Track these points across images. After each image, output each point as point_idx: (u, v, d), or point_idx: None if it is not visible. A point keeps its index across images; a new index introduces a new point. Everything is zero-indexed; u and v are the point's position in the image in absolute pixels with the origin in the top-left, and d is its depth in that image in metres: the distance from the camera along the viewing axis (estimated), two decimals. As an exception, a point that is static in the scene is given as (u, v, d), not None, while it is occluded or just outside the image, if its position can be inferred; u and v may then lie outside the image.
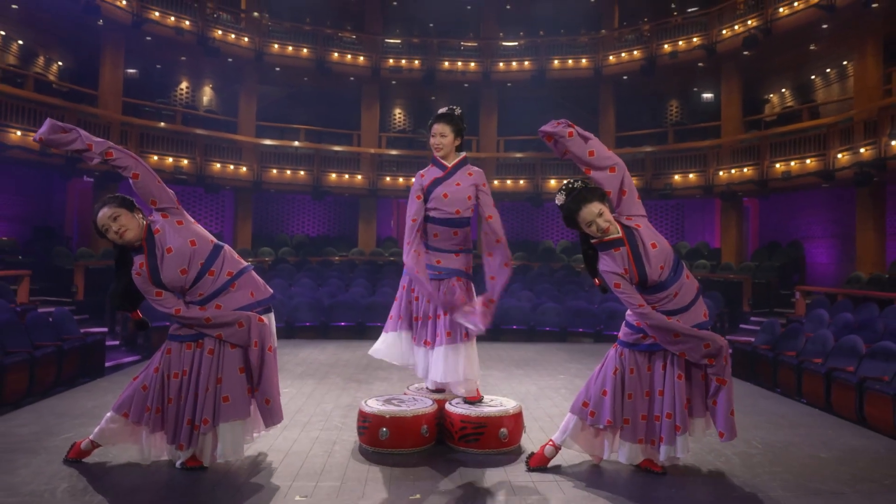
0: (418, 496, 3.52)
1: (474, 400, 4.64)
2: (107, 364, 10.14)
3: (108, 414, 3.89)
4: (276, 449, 4.35)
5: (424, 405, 4.46)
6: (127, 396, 3.84)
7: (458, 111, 4.77)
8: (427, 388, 4.88)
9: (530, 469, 4.00)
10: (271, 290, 4.08)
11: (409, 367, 4.71)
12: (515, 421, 4.44)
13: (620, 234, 3.85)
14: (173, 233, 3.84)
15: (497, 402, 4.60)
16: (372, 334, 12.34)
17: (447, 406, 4.51)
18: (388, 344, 4.71)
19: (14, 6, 14.78)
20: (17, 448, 4.18)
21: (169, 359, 3.83)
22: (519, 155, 19.64)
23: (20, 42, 16.78)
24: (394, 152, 20.40)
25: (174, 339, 3.89)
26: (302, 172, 18.88)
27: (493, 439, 4.31)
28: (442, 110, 4.75)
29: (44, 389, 8.15)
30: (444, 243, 4.62)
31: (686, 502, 3.53)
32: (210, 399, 3.74)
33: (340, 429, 4.93)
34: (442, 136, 4.65)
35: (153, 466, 3.86)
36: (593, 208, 3.80)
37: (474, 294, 4.74)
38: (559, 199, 3.94)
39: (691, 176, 17.59)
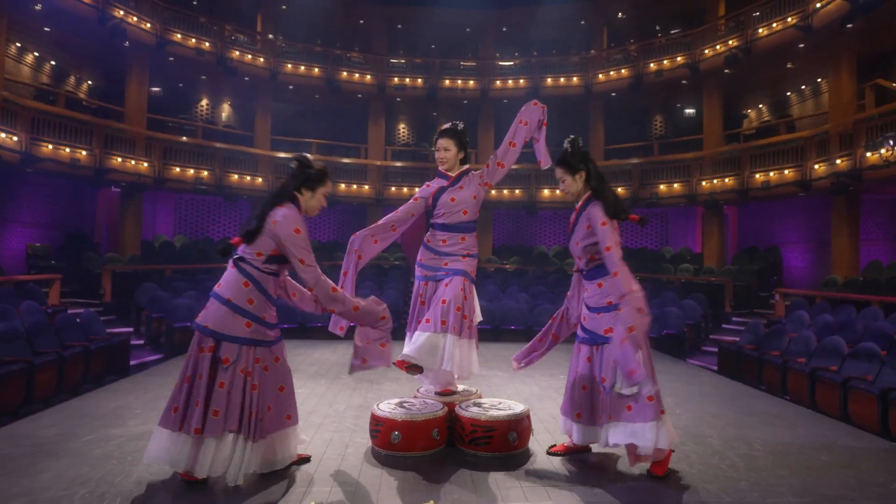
0: (432, 502, 3.27)
1: (446, 393, 4.57)
2: (132, 363, 9.93)
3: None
4: (292, 451, 4.10)
5: (435, 409, 4.22)
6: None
7: (460, 126, 4.63)
8: (435, 391, 4.66)
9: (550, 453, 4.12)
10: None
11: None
12: (524, 424, 4.20)
13: (577, 205, 3.98)
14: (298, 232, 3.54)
15: (506, 406, 4.36)
16: (380, 334, 12.21)
17: (457, 409, 4.27)
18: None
19: (46, 29, 14.57)
20: (41, 451, 3.93)
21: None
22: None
23: (53, 63, 16.59)
24: (398, 164, 20.23)
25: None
26: (314, 183, 18.63)
27: (503, 442, 4.06)
28: (445, 126, 4.62)
29: (72, 387, 7.92)
30: (453, 248, 4.47)
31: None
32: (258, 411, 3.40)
33: (353, 430, 4.67)
34: (446, 151, 4.53)
35: (168, 473, 3.61)
36: (560, 173, 3.99)
37: (476, 297, 4.55)
38: (565, 143, 4.03)
39: (676, 186, 17.37)
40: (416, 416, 4.08)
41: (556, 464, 3.93)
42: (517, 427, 4.11)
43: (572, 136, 4.05)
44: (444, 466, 3.84)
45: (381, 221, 4.53)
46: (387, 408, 4.23)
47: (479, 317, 4.59)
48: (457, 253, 4.47)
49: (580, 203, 3.93)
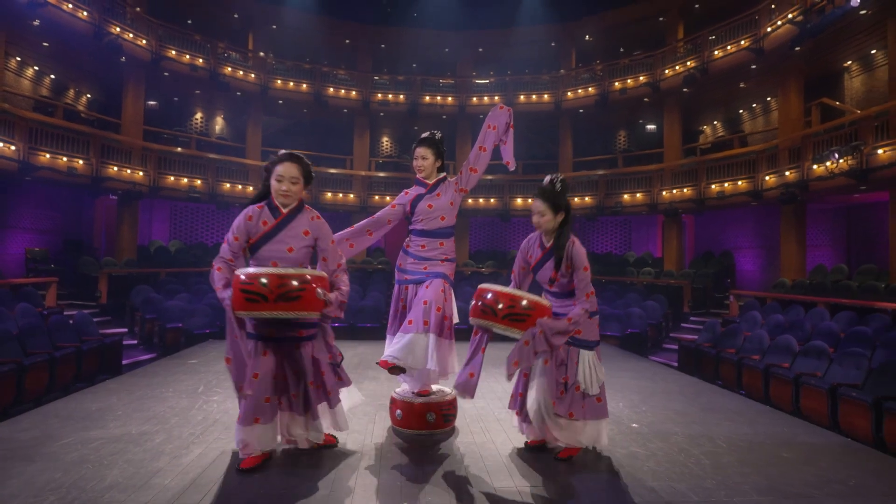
0: (405, 505, 3.04)
1: (424, 394, 4.38)
2: (124, 362, 9.55)
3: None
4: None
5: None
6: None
7: (438, 135, 4.43)
8: (413, 391, 4.43)
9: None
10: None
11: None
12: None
13: (548, 244, 3.79)
14: (326, 240, 3.57)
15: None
16: (362, 334, 11.89)
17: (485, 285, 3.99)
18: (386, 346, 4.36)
19: (45, 44, 14.14)
20: (15, 455, 3.61)
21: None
22: (490, 177, 19.24)
23: (52, 76, 16.11)
24: (382, 174, 19.98)
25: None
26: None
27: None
28: (424, 135, 4.43)
29: (63, 387, 7.56)
30: (431, 252, 4.27)
31: (664, 507, 3.08)
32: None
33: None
34: (423, 159, 4.33)
35: (143, 482, 3.33)
36: (541, 207, 3.72)
37: (454, 300, 4.34)
38: (554, 180, 3.79)
39: (638, 195, 17.31)
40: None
41: (530, 462, 3.71)
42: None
43: (560, 176, 3.79)
44: (423, 467, 3.60)
45: (357, 226, 4.31)
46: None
47: (456, 318, 4.39)
48: (435, 258, 4.28)
49: (551, 242, 3.76)
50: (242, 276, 3.16)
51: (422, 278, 4.24)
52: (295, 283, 3.14)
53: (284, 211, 3.49)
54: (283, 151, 3.58)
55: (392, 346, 4.07)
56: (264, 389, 3.40)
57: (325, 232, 3.54)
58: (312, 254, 3.62)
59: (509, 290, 3.59)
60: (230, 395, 5.36)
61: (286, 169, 3.46)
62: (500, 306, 3.52)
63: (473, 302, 3.70)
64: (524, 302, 3.50)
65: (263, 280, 3.12)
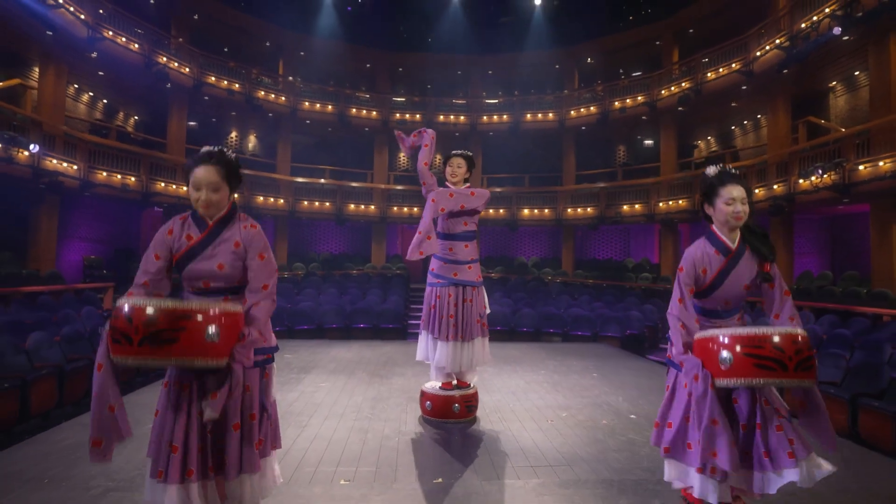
0: (440, 480, 3.43)
1: (446, 388, 4.78)
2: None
3: None
4: (321, 437, 4.24)
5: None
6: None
7: (470, 153, 4.80)
8: (439, 386, 4.81)
9: None
10: None
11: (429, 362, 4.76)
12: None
13: (734, 245, 2.78)
14: (255, 252, 2.49)
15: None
16: (385, 335, 12.28)
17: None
18: (419, 344, 4.79)
19: (100, 73, 14.71)
20: (110, 438, 4.06)
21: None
22: (499, 189, 19.63)
23: (105, 101, 16.71)
24: (399, 188, 20.36)
25: None
26: (327, 203, 18.82)
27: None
28: (459, 151, 4.79)
29: (126, 380, 8.02)
30: (458, 255, 4.61)
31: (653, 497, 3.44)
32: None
33: (370, 419, 4.81)
34: (459, 167, 4.72)
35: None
36: (741, 192, 2.71)
37: (486, 297, 4.72)
38: (711, 171, 2.81)
39: (637, 206, 17.60)
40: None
41: (541, 445, 4.08)
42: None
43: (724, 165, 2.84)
44: (452, 449, 3.99)
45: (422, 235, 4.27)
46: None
47: (487, 309, 4.77)
48: (462, 260, 4.59)
49: (737, 241, 2.78)
50: (119, 306, 2.19)
51: (451, 280, 4.58)
52: (170, 320, 2.14)
53: (211, 222, 2.53)
54: (204, 149, 2.55)
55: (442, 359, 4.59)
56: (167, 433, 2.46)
57: (256, 243, 2.53)
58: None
59: (771, 328, 2.45)
60: (285, 388, 5.76)
61: (203, 174, 2.46)
62: (792, 354, 2.38)
63: (726, 356, 2.44)
64: (802, 340, 2.42)
65: (128, 314, 2.15)
